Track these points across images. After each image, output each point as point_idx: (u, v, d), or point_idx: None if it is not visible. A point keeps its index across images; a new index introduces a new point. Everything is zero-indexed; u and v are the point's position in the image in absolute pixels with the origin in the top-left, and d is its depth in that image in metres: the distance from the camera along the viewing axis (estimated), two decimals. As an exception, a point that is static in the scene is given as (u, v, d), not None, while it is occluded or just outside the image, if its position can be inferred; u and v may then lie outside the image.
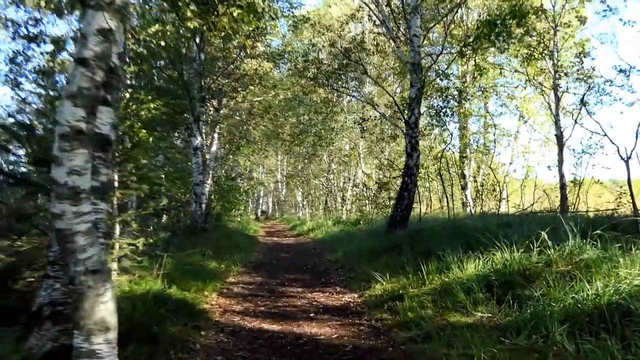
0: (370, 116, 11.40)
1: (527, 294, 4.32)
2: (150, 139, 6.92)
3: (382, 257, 7.55)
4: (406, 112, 10.17)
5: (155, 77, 14.09)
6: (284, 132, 17.49)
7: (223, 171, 20.51)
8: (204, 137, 16.00)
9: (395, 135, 11.36)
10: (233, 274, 7.48)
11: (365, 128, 11.53)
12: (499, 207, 12.11)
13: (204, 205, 12.26)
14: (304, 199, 36.43)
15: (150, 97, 6.64)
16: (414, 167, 10.10)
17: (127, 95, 6.42)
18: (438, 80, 11.64)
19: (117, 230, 6.01)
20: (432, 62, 10.40)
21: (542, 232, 5.03)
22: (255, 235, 16.31)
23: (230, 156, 18.78)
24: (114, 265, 5.47)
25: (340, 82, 10.99)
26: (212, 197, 16.34)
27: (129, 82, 6.83)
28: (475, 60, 9.47)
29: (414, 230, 8.51)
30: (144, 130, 6.42)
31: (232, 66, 14.29)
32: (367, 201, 18.50)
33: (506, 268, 4.93)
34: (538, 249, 5.01)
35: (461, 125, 15.09)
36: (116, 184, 5.37)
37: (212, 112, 15.34)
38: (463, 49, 8.70)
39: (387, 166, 16.75)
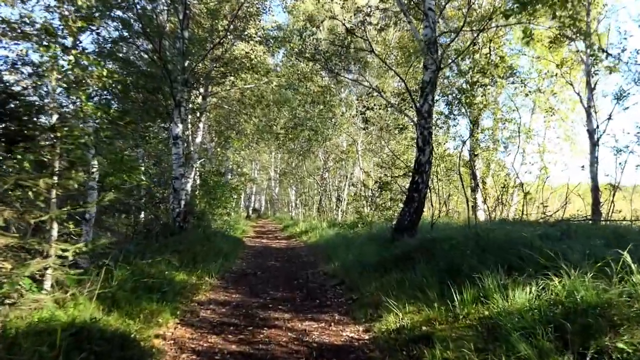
0: (375, 105, 9.96)
1: (620, 348, 2.93)
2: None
3: (390, 271, 6.14)
4: (418, 99, 8.75)
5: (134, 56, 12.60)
6: (278, 125, 16.00)
7: (213, 165, 19.00)
8: (188, 125, 14.51)
9: (402, 127, 9.94)
10: (205, 290, 6.01)
11: (368, 119, 10.09)
12: (508, 212, 10.73)
13: (182, 202, 10.76)
14: (297, 198, 35.01)
15: (100, 62, 5.17)
16: (425, 163, 8.68)
17: (71, 58, 4.94)
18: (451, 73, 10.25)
19: (55, 232, 4.53)
20: (451, 40, 8.95)
21: (623, 252, 3.65)
22: (242, 237, 14.82)
23: (219, 149, 17.25)
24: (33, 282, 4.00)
25: (342, 64, 9.53)
26: (197, 193, 14.86)
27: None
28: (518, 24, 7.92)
29: (427, 240, 7.08)
30: (90, 104, 4.94)
31: (220, 49, 12.81)
32: (365, 202, 17.07)
33: (576, 302, 3.51)
34: (619, 275, 3.62)
35: (473, 119, 13.63)
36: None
37: (199, 99, 13.84)
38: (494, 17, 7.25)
39: (389, 164, 15.33)
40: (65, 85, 5.05)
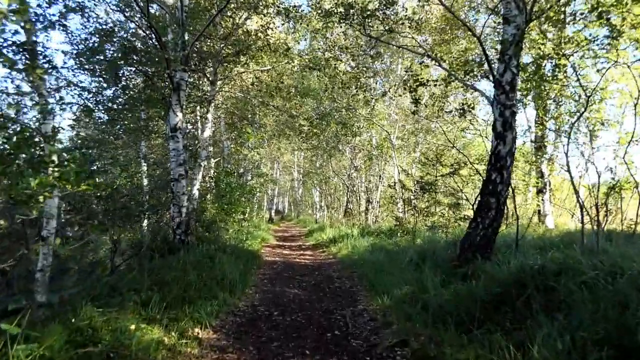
0: (429, 80, 7.46)
1: None
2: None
3: (485, 328, 3.76)
4: (496, 66, 6.28)
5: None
6: (301, 117, 13.70)
7: (228, 164, 16.88)
8: (197, 117, 12.38)
9: (467, 108, 7.44)
10: (187, 357, 3.73)
11: (419, 98, 7.63)
12: (613, 220, 8.13)
13: (184, 210, 8.59)
14: (321, 200, 32.74)
15: None
16: (507, 156, 6.22)
17: None
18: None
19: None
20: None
21: None
22: (260, 248, 12.57)
23: (233, 147, 15.07)
24: None
25: (386, 21, 7.10)
26: (207, 197, 12.72)
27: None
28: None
29: (527, 270, 4.62)
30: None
31: (230, 22, 10.61)
32: (403, 205, 14.60)
33: None
34: None
35: (540, 102, 10.90)
36: None
37: (206, 84, 11.69)
38: None
39: (434, 160, 12.83)
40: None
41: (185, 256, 6.95)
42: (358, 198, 21.43)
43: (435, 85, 7.67)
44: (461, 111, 7.77)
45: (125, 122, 11.25)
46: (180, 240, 8.47)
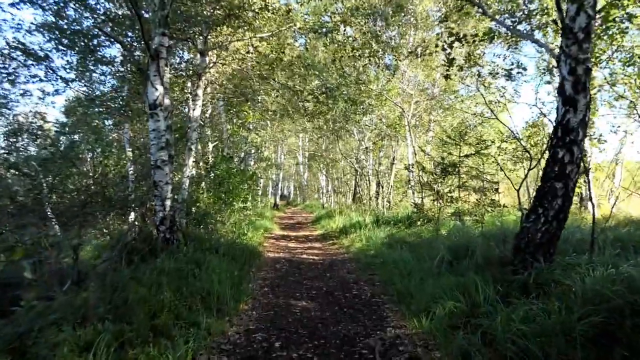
0: (467, 35, 5.84)
1: None
2: None
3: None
4: (567, 8, 4.70)
5: None
6: (305, 92, 12.11)
7: (227, 148, 15.41)
8: (189, 95, 10.89)
9: (518, 69, 5.87)
10: None
11: (453, 59, 6.05)
12: None
13: (168, 203, 7.17)
14: (328, 184, 31.34)
15: None
16: (579, 127, 4.71)
17: None
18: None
19: None
20: None
21: None
22: (262, 241, 11.18)
23: (229, 127, 13.57)
24: None
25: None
26: (202, 185, 11.30)
27: None
28: None
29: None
30: None
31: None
32: (421, 190, 13.12)
33: None
34: None
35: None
36: None
37: (197, 57, 10.16)
38: None
39: (457, 138, 11.30)
40: None
41: (165, 262, 5.54)
42: (368, 182, 19.94)
43: (474, 41, 6.09)
44: (507, 75, 6.20)
45: (104, 101, 9.78)
46: (164, 239, 7.06)
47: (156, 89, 7.24)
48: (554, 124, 4.88)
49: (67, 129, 13.12)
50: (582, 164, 9.00)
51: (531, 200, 10.96)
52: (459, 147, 11.37)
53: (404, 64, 15.54)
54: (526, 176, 7.86)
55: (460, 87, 18.37)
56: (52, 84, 9.19)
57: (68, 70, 8.54)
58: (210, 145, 14.86)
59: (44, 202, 10.85)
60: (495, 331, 3.44)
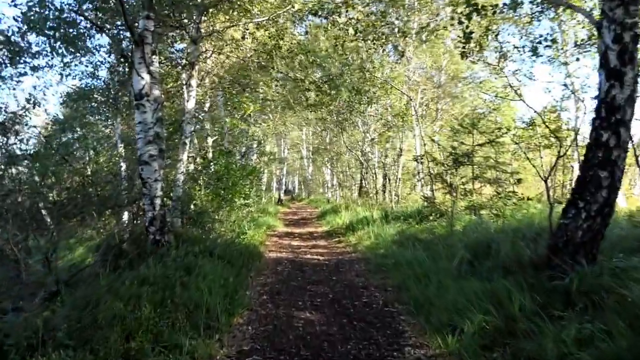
0: (487, 6, 5.08)
1: None
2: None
3: None
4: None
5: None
6: (306, 80, 11.37)
7: (227, 142, 14.77)
8: (184, 86, 10.27)
9: (548, 43, 5.13)
10: None
11: (471, 33, 5.29)
12: None
13: (158, 202, 6.53)
14: (332, 178, 30.70)
15: None
16: (625, 104, 4.00)
17: None
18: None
19: None
20: None
21: None
22: (264, 240, 10.55)
23: (228, 119, 12.91)
24: None
25: None
26: (199, 181, 10.66)
27: None
28: None
29: None
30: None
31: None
32: (431, 182, 12.40)
33: None
34: None
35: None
36: None
37: (188, 45, 9.49)
38: None
39: (471, 126, 10.57)
40: None
41: (151, 269, 4.91)
42: (374, 175, 19.23)
43: (495, 12, 5.34)
44: (532, 51, 5.48)
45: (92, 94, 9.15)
46: (154, 241, 6.44)
47: (142, 78, 6.60)
48: (598, 102, 4.17)
49: (60, 125, 12.52)
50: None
51: (555, 192, 10.18)
52: (471, 135, 10.67)
53: (410, 50, 14.80)
54: (555, 164, 7.15)
55: (468, 73, 17.66)
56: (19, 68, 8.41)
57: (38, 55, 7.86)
58: (210, 140, 14.23)
59: (38, 201, 10.33)
60: (544, 358, 2.76)
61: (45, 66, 8.25)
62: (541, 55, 6.11)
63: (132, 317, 3.58)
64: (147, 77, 6.65)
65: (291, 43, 10.28)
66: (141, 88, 6.58)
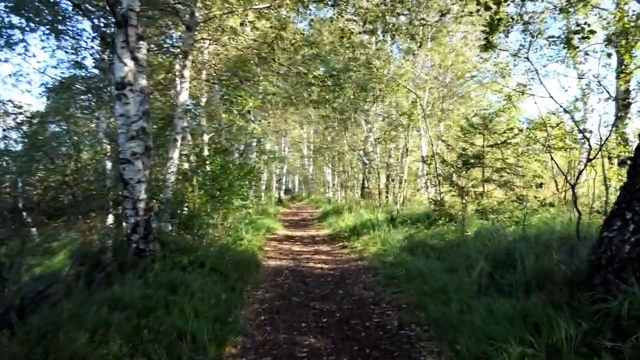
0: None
1: None
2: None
3: None
4: None
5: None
6: (310, 74, 10.65)
7: (224, 140, 14.07)
8: (179, 75, 9.59)
9: (585, 32, 4.43)
10: None
11: (500, 18, 4.59)
12: None
13: (141, 206, 5.83)
14: (334, 178, 30.02)
15: None
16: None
17: None
18: None
19: None
20: None
21: None
22: (261, 246, 9.84)
23: (224, 115, 12.20)
24: None
25: None
26: (194, 182, 9.96)
27: None
28: None
29: None
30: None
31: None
32: (437, 184, 11.70)
33: None
34: None
35: (626, 42, 7.82)
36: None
37: (183, 33, 8.80)
38: None
39: (482, 127, 9.91)
40: None
41: (129, 287, 4.22)
42: (377, 175, 18.51)
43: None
44: (566, 42, 4.79)
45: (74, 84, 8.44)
46: (137, 250, 5.74)
47: (124, 64, 5.91)
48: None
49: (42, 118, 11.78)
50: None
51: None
52: (482, 136, 9.99)
53: (415, 48, 14.13)
54: (585, 167, 6.48)
55: (474, 72, 16.98)
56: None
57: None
58: (206, 137, 13.53)
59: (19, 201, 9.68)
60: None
61: (22, 41, 7.51)
62: (576, 47, 5.40)
63: (96, 356, 2.88)
64: (130, 63, 5.95)
65: (294, 36, 9.58)
66: (123, 76, 5.88)
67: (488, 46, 5.19)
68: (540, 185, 8.86)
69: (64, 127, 10.88)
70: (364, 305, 5.09)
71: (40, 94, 9.92)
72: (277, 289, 5.86)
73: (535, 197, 8.14)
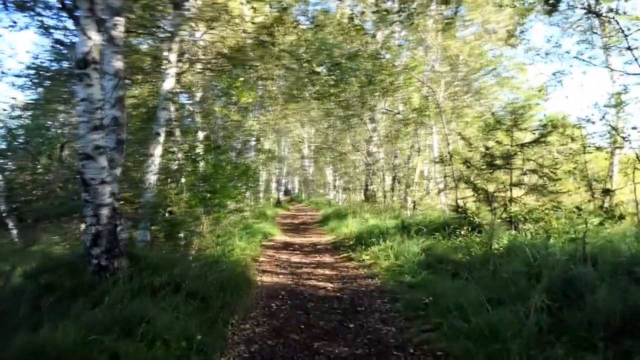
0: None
1: None
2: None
3: None
4: None
5: None
6: (313, 62, 9.48)
7: (218, 137, 12.88)
8: (164, 60, 8.46)
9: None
10: None
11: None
12: None
13: (105, 213, 4.64)
14: (335, 179, 28.89)
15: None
16: None
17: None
18: None
19: None
20: None
21: None
22: (255, 257, 8.63)
23: (217, 109, 11.01)
24: None
25: None
26: (182, 183, 8.81)
27: None
28: None
29: None
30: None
31: None
32: (456, 188, 10.50)
33: None
34: None
35: None
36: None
37: (171, 13, 7.62)
38: None
39: (511, 121, 8.73)
40: None
41: (60, 330, 3.02)
42: (382, 177, 17.30)
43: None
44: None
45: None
46: (98, 267, 4.55)
47: (88, 38, 4.71)
48: None
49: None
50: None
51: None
52: (510, 133, 8.81)
53: (431, 36, 12.97)
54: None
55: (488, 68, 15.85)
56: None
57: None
58: (200, 135, 12.35)
59: None
60: None
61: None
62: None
63: None
64: (96, 37, 4.76)
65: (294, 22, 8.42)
66: (86, 52, 4.68)
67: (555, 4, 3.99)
68: (607, 191, 7.66)
69: (41, 121, 9.72)
70: (385, 350, 3.87)
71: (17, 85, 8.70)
72: (271, 320, 4.65)
73: (578, 208, 6.92)
